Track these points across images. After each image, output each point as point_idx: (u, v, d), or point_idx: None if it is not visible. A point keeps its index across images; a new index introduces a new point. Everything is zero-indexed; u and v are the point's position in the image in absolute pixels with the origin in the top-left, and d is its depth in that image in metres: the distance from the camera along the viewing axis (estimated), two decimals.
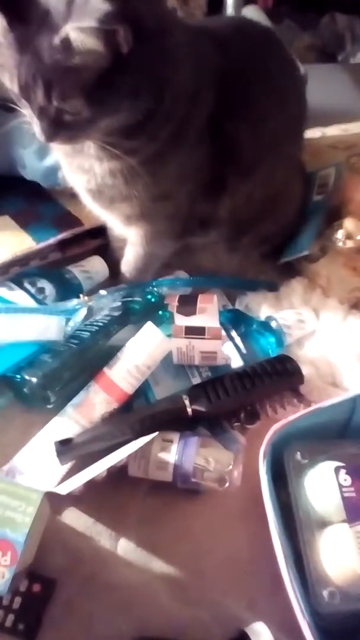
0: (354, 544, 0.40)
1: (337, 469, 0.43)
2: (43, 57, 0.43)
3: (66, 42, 0.42)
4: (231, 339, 0.62)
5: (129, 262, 0.67)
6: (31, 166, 0.69)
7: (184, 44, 0.50)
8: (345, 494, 0.43)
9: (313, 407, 0.48)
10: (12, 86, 0.47)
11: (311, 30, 1.63)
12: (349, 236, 0.68)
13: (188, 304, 0.58)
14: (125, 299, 0.63)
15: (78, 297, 0.63)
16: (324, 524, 0.44)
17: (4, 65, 0.46)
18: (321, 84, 1.09)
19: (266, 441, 0.46)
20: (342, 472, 0.43)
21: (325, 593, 0.41)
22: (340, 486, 0.43)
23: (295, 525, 0.45)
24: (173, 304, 0.58)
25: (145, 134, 0.51)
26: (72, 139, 0.51)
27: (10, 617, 0.46)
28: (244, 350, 0.62)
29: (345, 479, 0.43)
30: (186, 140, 0.54)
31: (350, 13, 1.60)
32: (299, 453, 0.46)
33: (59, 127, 0.48)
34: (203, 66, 0.53)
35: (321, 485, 0.44)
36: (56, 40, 0.42)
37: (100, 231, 0.69)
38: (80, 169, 0.57)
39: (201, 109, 0.54)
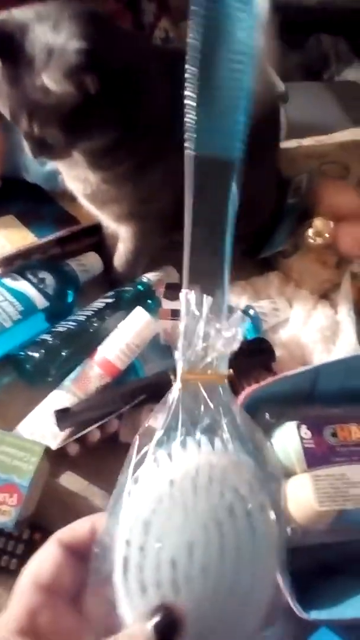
0: (311, 485, 0.47)
1: (298, 425, 0.50)
2: (27, 94, 0.52)
3: (44, 87, 0.51)
4: None
5: (120, 256, 0.74)
6: (34, 171, 0.76)
7: (159, 71, 0.58)
8: (306, 446, 0.49)
9: (280, 375, 0.54)
10: (5, 112, 0.55)
11: (298, 50, 1.71)
12: (318, 234, 0.74)
13: (174, 290, 0.65)
14: (117, 289, 0.70)
15: (75, 288, 0.69)
16: (288, 474, 0.51)
17: (0, 94, 0.54)
18: (303, 101, 1.18)
19: (239, 403, 0.52)
20: (303, 427, 0.50)
21: (288, 530, 0.48)
22: (302, 439, 0.50)
23: None
24: (160, 289, 0.65)
25: (123, 151, 0.58)
26: (55, 157, 0.59)
27: (14, 561, 0.52)
28: None
29: (305, 432, 0.50)
30: (167, 152, 0.60)
31: (334, 34, 1.66)
32: (267, 414, 0.52)
33: (43, 148, 0.57)
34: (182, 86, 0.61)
35: (286, 440, 0.51)
36: (37, 83, 0.51)
37: (95, 229, 0.76)
38: (76, 179, 0.64)
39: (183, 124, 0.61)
